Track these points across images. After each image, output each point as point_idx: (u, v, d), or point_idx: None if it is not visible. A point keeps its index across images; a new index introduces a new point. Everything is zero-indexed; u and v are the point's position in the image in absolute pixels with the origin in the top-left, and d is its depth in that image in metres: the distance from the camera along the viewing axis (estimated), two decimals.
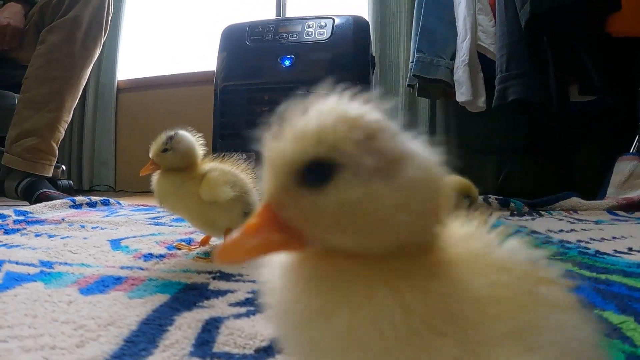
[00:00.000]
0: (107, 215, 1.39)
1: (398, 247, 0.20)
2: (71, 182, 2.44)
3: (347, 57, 2.07)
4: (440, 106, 2.54)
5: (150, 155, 0.87)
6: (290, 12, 2.99)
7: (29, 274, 0.70)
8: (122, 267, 0.75)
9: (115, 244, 0.95)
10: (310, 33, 2.11)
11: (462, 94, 1.95)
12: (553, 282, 0.22)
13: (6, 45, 1.93)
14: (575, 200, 1.67)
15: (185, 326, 0.48)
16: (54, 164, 1.91)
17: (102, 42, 1.98)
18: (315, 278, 0.21)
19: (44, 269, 0.73)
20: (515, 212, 1.62)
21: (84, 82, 1.96)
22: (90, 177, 3.30)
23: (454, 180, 0.89)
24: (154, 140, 0.88)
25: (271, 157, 0.21)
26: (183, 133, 0.89)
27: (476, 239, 0.23)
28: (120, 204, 1.77)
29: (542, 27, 1.67)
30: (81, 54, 1.89)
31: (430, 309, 0.19)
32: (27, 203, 1.77)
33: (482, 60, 1.98)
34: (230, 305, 0.56)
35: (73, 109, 1.95)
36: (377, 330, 0.19)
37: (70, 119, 1.95)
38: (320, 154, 0.20)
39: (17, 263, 0.77)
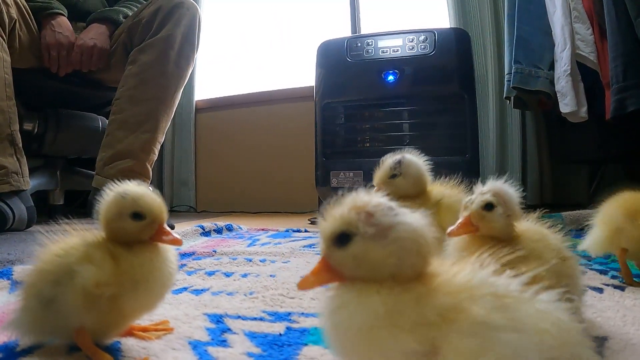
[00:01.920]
0: (251, 244, 1.23)
1: (393, 275, 0.31)
2: None
3: (452, 71, 1.90)
4: (530, 116, 2.37)
5: (375, 183, 0.70)
6: (365, 28, 2.83)
7: (280, 335, 0.54)
8: None
9: None
10: (412, 47, 1.94)
11: (566, 105, 1.77)
12: (506, 298, 0.30)
13: (93, 67, 1.76)
14: None
15: None
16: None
17: (194, 61, 1.79)
18: (341, 291, 0.33)
19: (289, 324, 0.57)
20: None
21: (177, 102, 1.79)
22: (171, 198, 3.12)
23: None
24: (378, 167, 0.73)
25: (321, 231, 0.34)
26: (410, 157, 0.72)
27: (458, 274, 0.32)
28: (241, 228, 1.60)
29: None
30: (174, 74, 1.72)
31: (402, 309, 0.30)
32: None
33: (579, 69, 1.79)
34: None
35: (166, 130, 1.75)
36: (366, 317, 0.30)
37: (163, 140, 1.76)
38: (343, 229, 0.32)
39: (241, 318, 0.60)
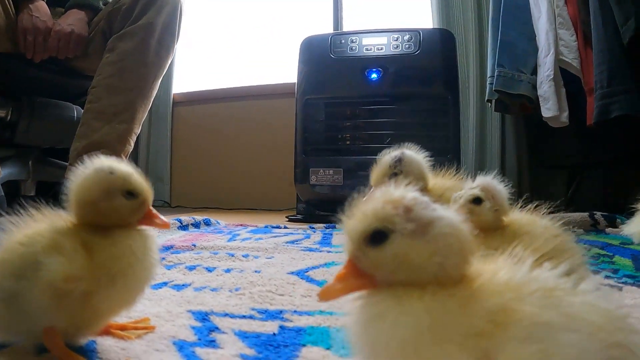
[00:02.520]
0: (231, 239, 1.16)
1: (436, 278, 0.27)
2: None
3: (436, 71, 1.87)
4: (510, 120, 2.36)
5: (373, 183, 0.65)
6: (347, 26, 2.78)
7: (274, 334, 0.48)
8: None
9: (308, 278, 0.73)
10: (397, 46, 1.89)
11: (548, 110, 1.76)
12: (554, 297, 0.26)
13: (70, 54, 1.67)
14: None
15: None
16: None
17: (174, 50, 1.71)
18: (376, 298, 0.28)
19: (282, 323, 0.51)
20: None
21: (154, 93, 1.71)
22: None
23: None
24: (375, 165, 0.68)
25: (348, 230, 0.29)
26: (410, 153, 0.69)
27: (498, 272, 0.28)
28: (219, 223, 1.53)
29: None
30: (154, 63, 1.64)
31: (450, 318, 0.26)
32: None
33: (562, 75, 1.78)
34: None
35: (143, 121, 1.68)
36: (410, 329, 0.26)
37: (139, 132, 1.68)
38: (378, 226, 0.28)
39: (229, 315, 0.54)
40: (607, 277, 0.78)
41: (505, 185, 0.54)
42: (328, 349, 0.43)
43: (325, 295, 0.29)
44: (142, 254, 0.42)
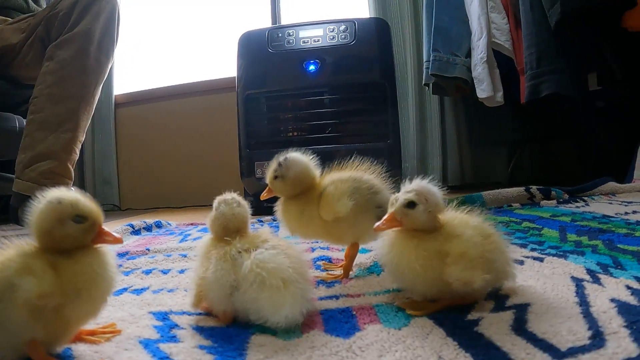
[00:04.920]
0: (183, 240, 1.23)
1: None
2: None
3: (373, 59, 1.96)
4: (449, 102, 2.48)
5: (267, 181, 0.74)
6: (285, 19, 2.85)
7: (227, 326, 0.56)
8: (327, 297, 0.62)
9: None
10: (333, 37, 1.98)
11: (483, 90, 1.88)
12: None
13: None
14: (612, 185, 1.62)
15: None
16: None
17: (114, 55, 1.74)
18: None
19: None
20: (561, 200, 1.52)
21: (97, 99, 1.75)
22: (93, 197, 2.98)
23: None
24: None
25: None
26: (294, 157, 0.73)
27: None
28: (170, 224, 1.59)
29: (572, 26, 1.60)
30: (94, 70, 1.67)
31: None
32: None
33: (496, 57, 1.90)
34: None
35: (86, 128, 1.71)
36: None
37: (84, 139, 1.71)
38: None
39: (186, 313, 0.62)
40: (532, 249, 0.87)
41: (439, 188, 0.59)
42: (274, 335, 0.51)
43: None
44: (101, 268, 0.48)
